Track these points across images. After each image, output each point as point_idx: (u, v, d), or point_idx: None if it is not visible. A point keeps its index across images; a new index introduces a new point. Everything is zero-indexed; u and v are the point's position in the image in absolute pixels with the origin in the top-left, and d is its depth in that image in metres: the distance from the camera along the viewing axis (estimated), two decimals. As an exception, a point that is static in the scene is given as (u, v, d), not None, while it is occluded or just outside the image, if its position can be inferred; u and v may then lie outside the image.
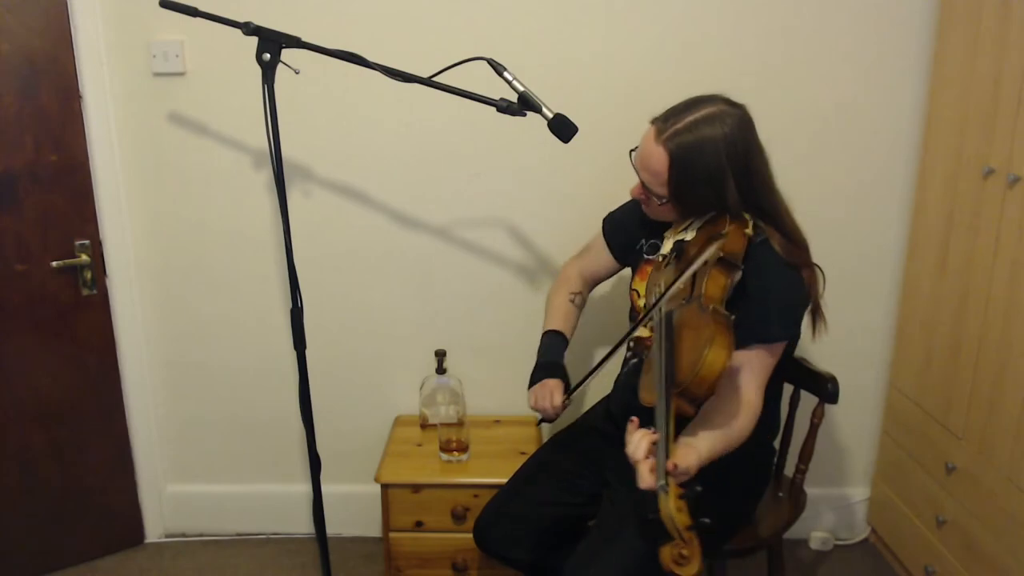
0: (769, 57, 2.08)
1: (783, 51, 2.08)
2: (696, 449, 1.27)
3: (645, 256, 1.70)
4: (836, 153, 2.16)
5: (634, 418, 1.27)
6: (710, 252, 1.36)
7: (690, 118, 1.43)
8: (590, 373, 1.56)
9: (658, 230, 1.67)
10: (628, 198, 1.86)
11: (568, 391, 1.67)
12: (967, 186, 1.90)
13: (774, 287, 1.44)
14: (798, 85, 2.10)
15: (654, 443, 1.21)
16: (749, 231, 1.44)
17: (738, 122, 1.43)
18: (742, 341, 1.39)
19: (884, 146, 2.16)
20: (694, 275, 1.39)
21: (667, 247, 1.60)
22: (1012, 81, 1.72)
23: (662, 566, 1.09)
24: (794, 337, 1.52)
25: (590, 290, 1.91)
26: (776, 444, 1.76)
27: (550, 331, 1.79)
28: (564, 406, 1.65)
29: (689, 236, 1.54)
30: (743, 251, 1.40)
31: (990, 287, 1.81)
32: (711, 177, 1.43)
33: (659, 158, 1.45)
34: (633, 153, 1.54)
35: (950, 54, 1.98)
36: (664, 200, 1.50)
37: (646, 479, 1.18)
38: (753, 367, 1.42)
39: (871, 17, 2.06)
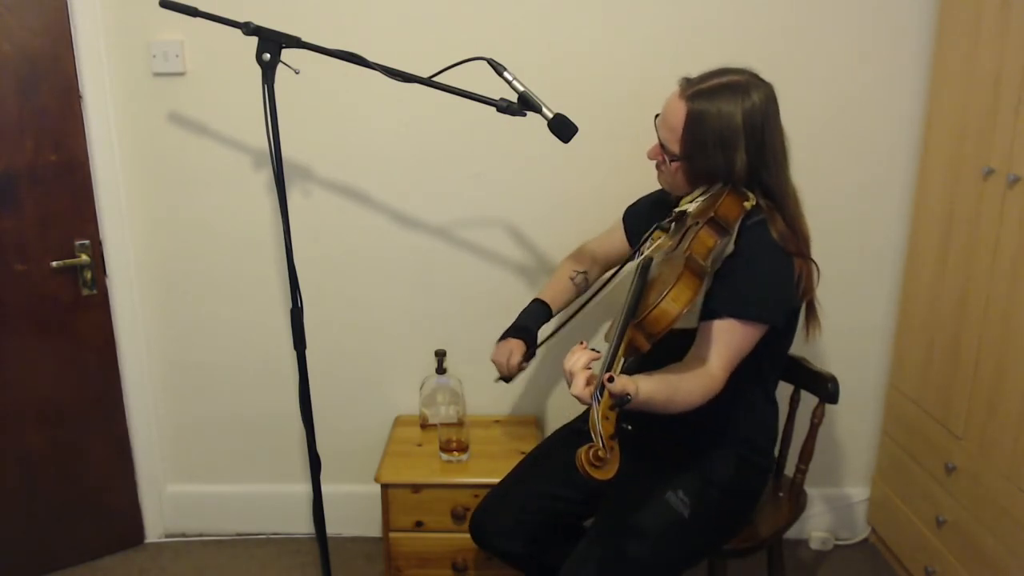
0: (769, 57, 2.06)
1: (783, 51, 2.08)
2: (635, 381, 1.25)
3: None
4: (836, 153, 2.16)
5: (582, 341, 1.31)
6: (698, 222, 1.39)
7: (716, 81, 1.46)
8: (548, 337, 1.79)
9: (668, 214, 1.66)
10: (631, 199, 1.87)
11: (527, 356, 1.79)
12: (967, 186, 1.90)
13: (759, 265, 1.44)
14: (798, 85, 2.10)
15: (594, 360, 1.25)
16: (747, 204, 1.44)
17: (763, 96, 1.45)
18: (716, 312, 1.41)
19: (884, 146, 2.16)
20: (683, 234, 1.41)
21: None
22: (1012, 81, 1.72)
23: (577, 466, 1.13)
24: (773, 323, 1.46)
25: (602, 271, 1.92)
26: (775, 451, 1.76)
27: (537, 299, 1.87)
28: (520, 368, 1.79)
29: (692, 208, 1.52)
30: (736, 219, 1.41)
31: (990, 287, 1.81)
32: (723, 140, 1.44)
33: (678, 113, 1.47)
34: (658, 117, 1.56)
35: (950, 54, 1.98)
36: (676, 158, 1.50)
37: (580, 388, 1.21)
38: (721, 339, 1.42)
39: (871, 17, 2.06)
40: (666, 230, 1.55)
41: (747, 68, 1.50)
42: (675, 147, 1.49)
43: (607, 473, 1.13)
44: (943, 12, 2.01)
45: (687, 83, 1.49)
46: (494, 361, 1.81)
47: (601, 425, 1.15)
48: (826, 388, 1.75)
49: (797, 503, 1.82)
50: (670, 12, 2.06)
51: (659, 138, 1.55)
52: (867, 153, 2.16)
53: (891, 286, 2.27)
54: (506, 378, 1.83)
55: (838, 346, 2.28)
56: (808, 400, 1.83)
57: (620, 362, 1.26)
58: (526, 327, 1.82)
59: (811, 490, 1.90)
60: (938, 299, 2.03)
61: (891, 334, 2.30)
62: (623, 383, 1.21)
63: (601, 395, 1.17)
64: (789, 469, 1.90)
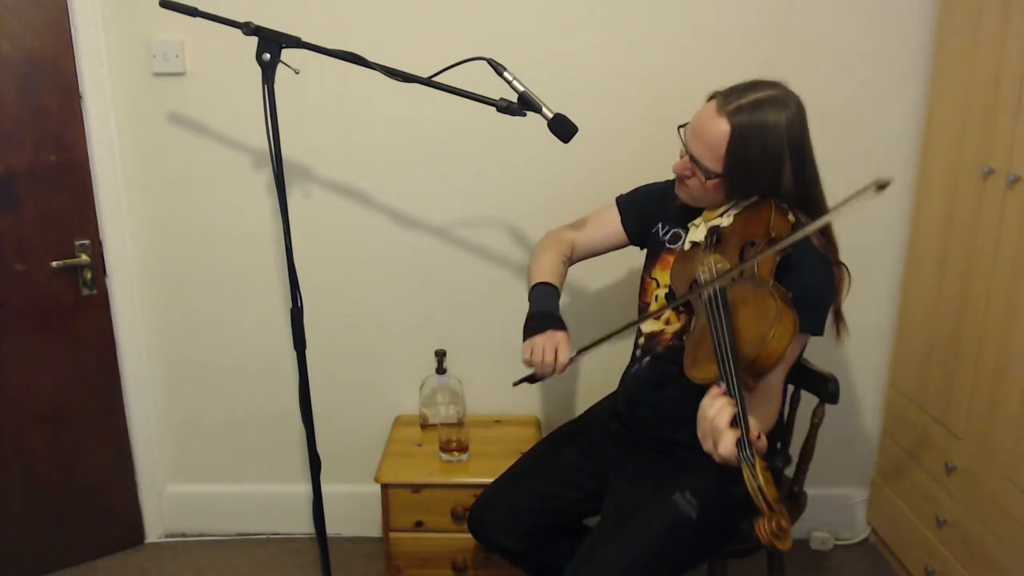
0: (769, 57, 2.08)
1: (783, 51, 2.08)
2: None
3: (667, 245, 1.66)
4: (836, 153, 2.14)
5: (722, 383, 1.20)
6: (773, 249, 1.34)
7: (754, 96, 1.42)
8: (606, 337, 1.46)
9: (675, 219, 1.65)
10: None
11: (578, 350, 1.50)
12: (967, 186, 1.90)
13: (810, 280, 1.43)
14: (798, 85, 2.07)
15: (734, 415, 1.15)
16: (791, 218, 1.44)
17: (798, 109, 1.44)
18: None
19: (884, 146, 2.16)
20: (742, 255, 1.39)
21: (698, 234, 1.56)
22: (1012, 81, 1.72)
23: (761, 541, 1.08)
24: (820, 332, 1.50)
25: (583, 258, 1.83)
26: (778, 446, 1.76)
27: (542, 283, 1.64)
28: (568, 366, 1.49)
29: (725, 223, 1.51)
30: (788, 235, 1.39)
31: (990, 287, 1.81)
32: (770, 159, 1.42)
33: (719, 131, 1.42)
34: (683, 129, 1.51)
35: (950, 54, 1.98)
36: (713, 176, 1.46)
37: (729, 449, 1.14)
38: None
39: (871, 17, 2.06)
40: (693, 244, 1.53)
41: (777, 80, 1.48)
42: (714, 164, 1.45)
43: (790, 540, 1.08)
44: (943, 12, 2.01)
45: (723, 98, 1.44)
46: (534, 363, 1.51)
47: (766, 490, 1.09)
48: (826, 388, 1.75)
49: (797, 503, 1.82)
50: (670, 12, 2.05)
51: (690, 153, 1.49)
52: (867, 153, 2.16)
53: (891, 286, 2.27)
54: (542, 377, 1.49)
55: (838, 346, 2.28)
56: (808, 400, 1.83)
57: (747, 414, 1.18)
58: (553, 313, 1.58)
59: (811, 490, 1.90)
60: (938, 299, 2.03)
61: (891, 334, 2.30)
62: (763, 438, 1.16)
63: (752, 455, 1.11)
64: (789, 469, 1.90)
